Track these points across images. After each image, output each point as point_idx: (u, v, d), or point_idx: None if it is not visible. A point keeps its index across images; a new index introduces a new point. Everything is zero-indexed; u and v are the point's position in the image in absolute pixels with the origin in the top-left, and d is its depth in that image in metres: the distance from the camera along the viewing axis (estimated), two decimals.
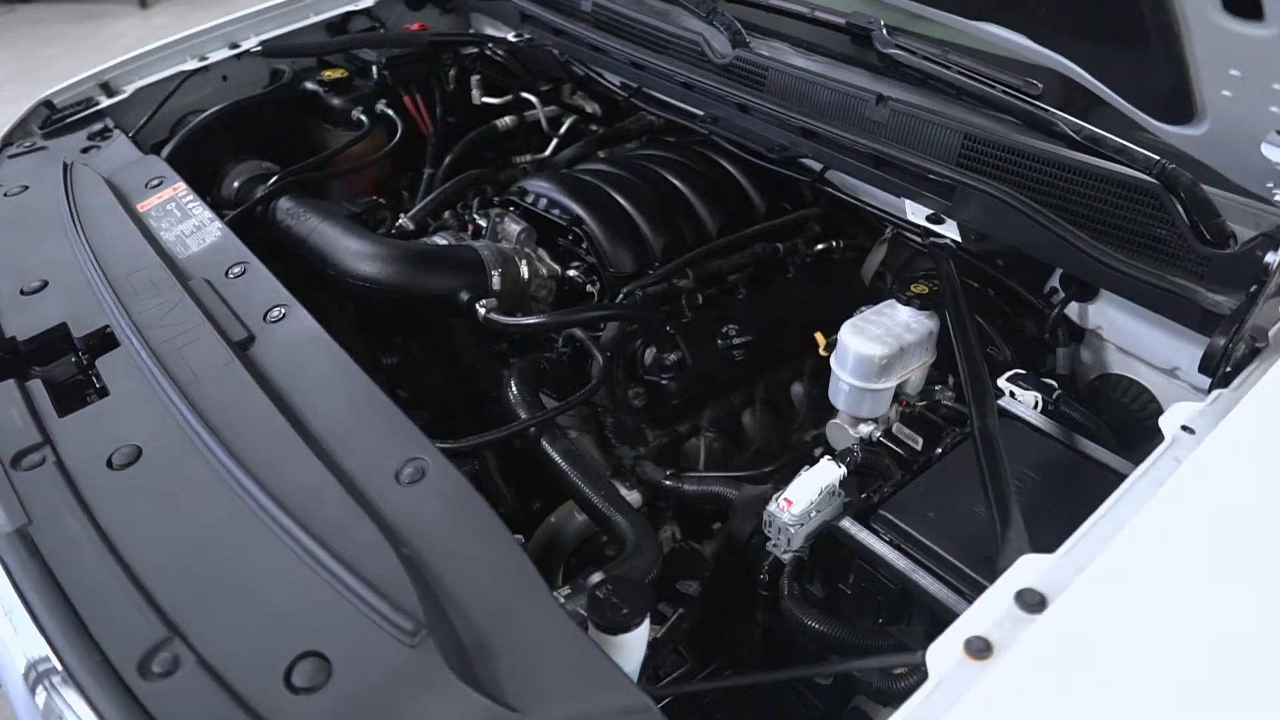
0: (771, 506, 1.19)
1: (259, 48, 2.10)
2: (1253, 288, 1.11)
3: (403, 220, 1.78)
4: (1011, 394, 1.34)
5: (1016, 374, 1.35)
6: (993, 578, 0.88)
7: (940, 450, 1.28)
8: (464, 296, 1.57)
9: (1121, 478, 0.97)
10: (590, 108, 2.27)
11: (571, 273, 1.68)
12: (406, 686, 0.81)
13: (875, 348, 1.30)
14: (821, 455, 1.29)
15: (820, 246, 1.82)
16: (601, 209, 1.69)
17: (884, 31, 1.60)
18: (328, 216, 1.68)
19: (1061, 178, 1.35)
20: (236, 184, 1.91)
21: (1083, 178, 1.33)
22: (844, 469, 1.21)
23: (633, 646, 0.94)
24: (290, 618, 0.86)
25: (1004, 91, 1.44)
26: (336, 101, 2.08)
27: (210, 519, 0.97)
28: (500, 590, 0.91)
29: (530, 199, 1.75)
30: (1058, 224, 1.29)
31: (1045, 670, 0.81)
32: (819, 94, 1.58)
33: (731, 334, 1.62)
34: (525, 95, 2.23)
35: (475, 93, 2.25)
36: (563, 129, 2.25)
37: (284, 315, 1.27)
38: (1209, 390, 1.11)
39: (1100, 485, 1.16)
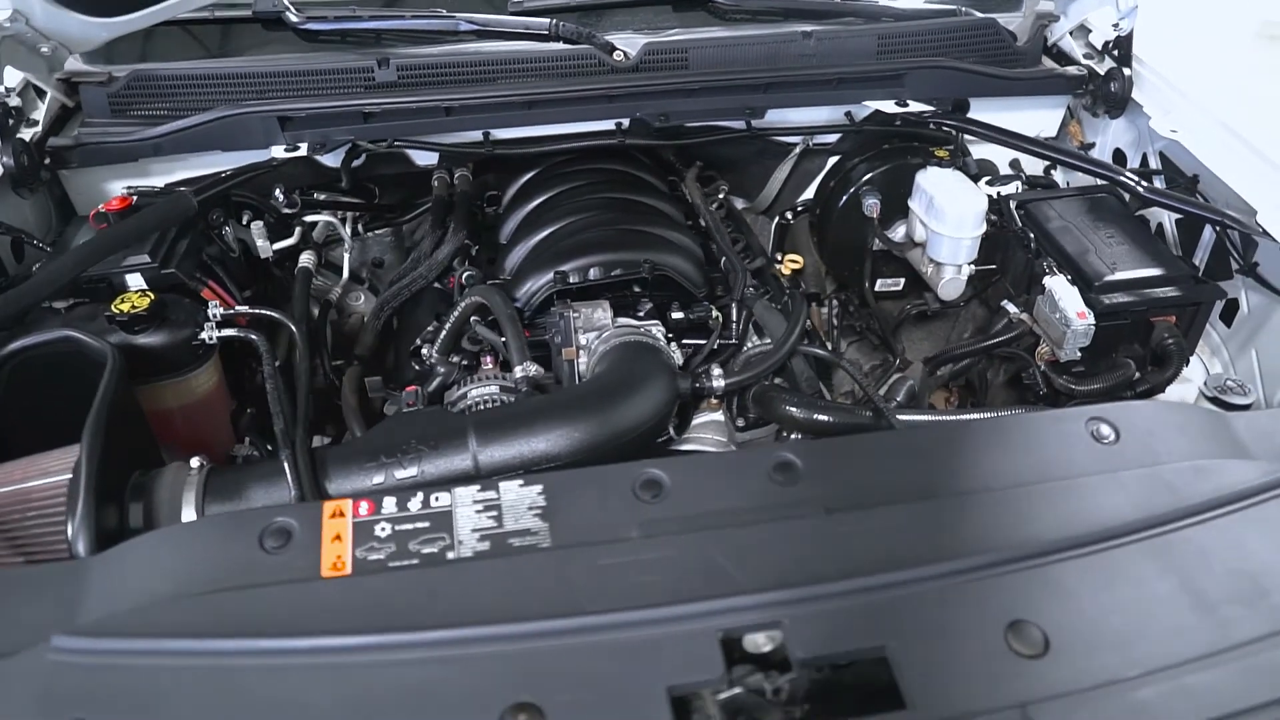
0: (1074, 325, 1.50)
1: None
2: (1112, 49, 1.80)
3: (524, 369, 1.35)
4: (999, 193, 1.83)
5: (996, 177, 1.85)
6: None
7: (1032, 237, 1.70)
8: (685, 386, 1.37)
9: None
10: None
11: (677, 315, 1.56)
12: None
13: (981, 197, 1.66)
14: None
15: (720, 195, 2.00)
16: (650, 245, 1.58)
17: None
18: (445, 435, 1.20)
19: (940, 39, 1.83)
20: (192, 509, 1.15)
21: (953, 32, 1.83)
22: (1066, 275, 1.57)
23: None
24: None
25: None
26: (159, 339, 1.33)
27: None
28: None
29: (576, 278, 1.51)
30: (982, 68, 1.78)
31: None
32: (746, 51, 1.71)
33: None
34: (317, 218, 1.73)
35: (263, 244, 1.64)
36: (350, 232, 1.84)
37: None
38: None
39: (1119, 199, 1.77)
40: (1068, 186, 1.98)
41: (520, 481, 1.01)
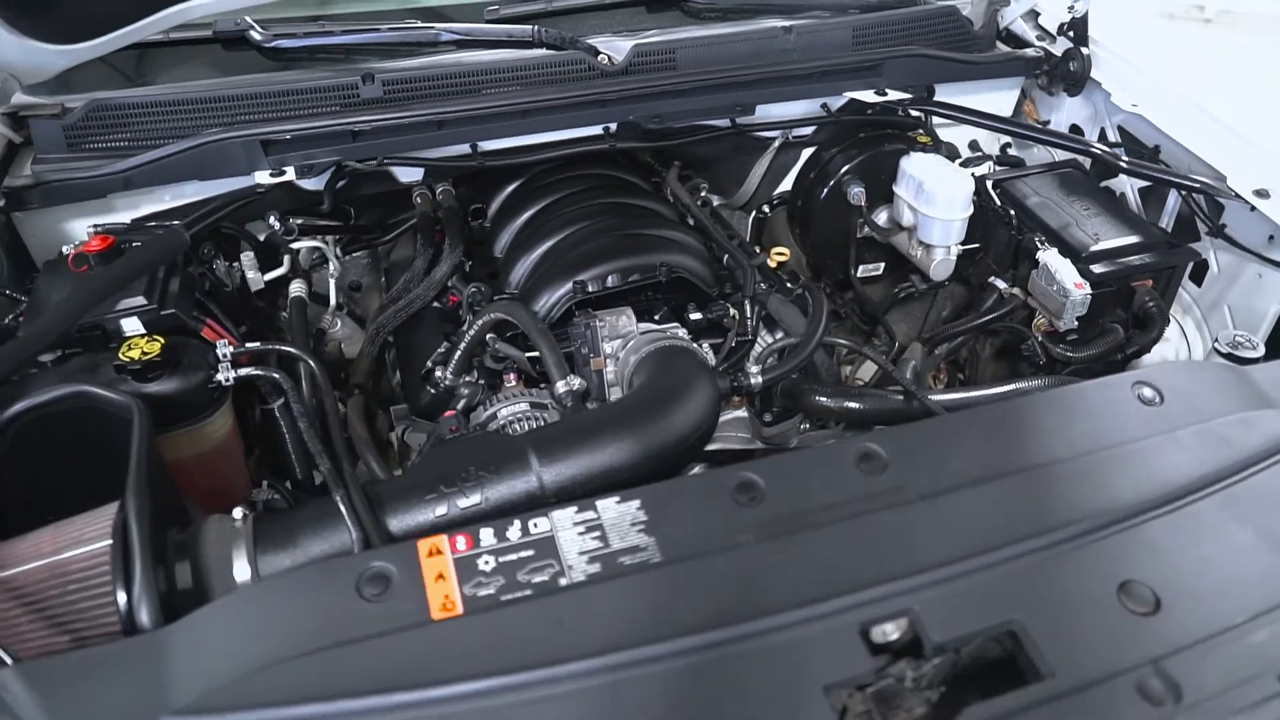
0: (1073, 295, 1.56)
1: None
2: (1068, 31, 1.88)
3: (567, 383, 1.31)
4: (973, 173, 1.90)
5: (969, 159, 1.91)
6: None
7: (1014, 214, 1.77)
8: (724, 386, 1.36)
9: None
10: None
11: (695, 316, 1.55)
12: None
13: (968, 180, 1.71)
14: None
15: (702, 193, 2.00)
16: (661, 248, 1.57)
17: None
18: (504, 458, 1.16)
19: (908, 28, 1.88)
20: (244, 563, 1.08)
21: (919, 20, 1.89)
22: (1055, 248, 1.64)
23: None
24: None
25: None
26: (174, 385, 1.24)
27: None
28: None
29: (595, 287, 1.49)
30: (953, 54, 1.84)
31: None
32: (731, 49, 1.72)
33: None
34: (300, 244, 1.64)
35: (254, 276, 1.55)
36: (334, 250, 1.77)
37: None
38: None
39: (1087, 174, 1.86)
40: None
41: (616, 498, 0.99)
